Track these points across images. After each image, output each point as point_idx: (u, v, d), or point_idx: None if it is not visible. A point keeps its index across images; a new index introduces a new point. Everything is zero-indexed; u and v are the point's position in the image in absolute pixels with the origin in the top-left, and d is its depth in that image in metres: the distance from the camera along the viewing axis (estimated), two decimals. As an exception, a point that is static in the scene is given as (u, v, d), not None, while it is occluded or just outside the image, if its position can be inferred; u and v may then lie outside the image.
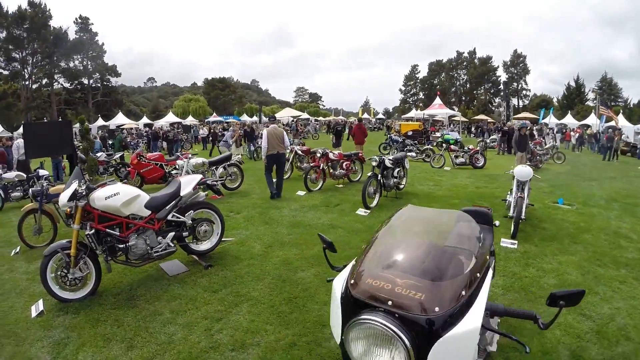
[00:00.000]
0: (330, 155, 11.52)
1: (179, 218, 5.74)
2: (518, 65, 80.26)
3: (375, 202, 9.44)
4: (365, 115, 70.37)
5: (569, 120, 46.26)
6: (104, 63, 71.90)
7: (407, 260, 2.34)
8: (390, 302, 1.98)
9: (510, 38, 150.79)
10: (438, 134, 29.07)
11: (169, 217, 5.64)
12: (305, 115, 57.62)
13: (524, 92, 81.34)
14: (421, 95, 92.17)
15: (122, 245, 5.09)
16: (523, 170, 8.02)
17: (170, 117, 54.68)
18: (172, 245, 5.63)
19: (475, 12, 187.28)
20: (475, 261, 2.30)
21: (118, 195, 4.97)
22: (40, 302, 4.82)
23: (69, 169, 16.58)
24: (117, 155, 16.65)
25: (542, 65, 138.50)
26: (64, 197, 4.74)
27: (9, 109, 59.67)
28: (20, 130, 44.80)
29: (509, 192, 8.71)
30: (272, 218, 8.54)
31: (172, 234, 5.62)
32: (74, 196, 4.72)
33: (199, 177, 6.16)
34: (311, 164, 13.28)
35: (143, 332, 4.22)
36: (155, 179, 12.41)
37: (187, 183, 5.87)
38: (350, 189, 11.63)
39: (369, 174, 9.53)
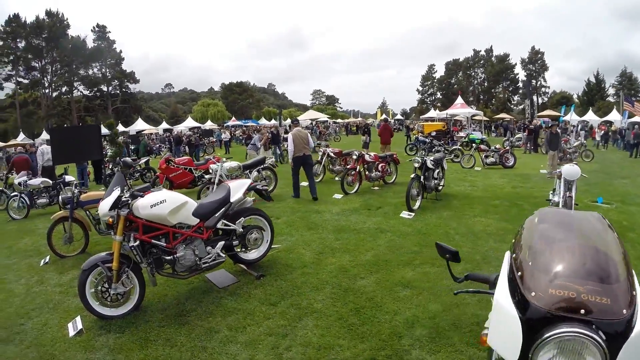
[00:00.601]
0: (366, 157, 11.11)
1: (229, 226, 5.34)
2: (536, 62, 78.85)
3: (417, 204, 9.00)
4: (384, 117, 69.80)
5: (591, 116, 45.14)
6: (122, 70, 72.86)
7: (578, 266, 2.10)
8: (582, 311, 1.81)
9: (525, 35, 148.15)
10: (462, 134, 28.49)
11: (219, 225, 5.23)
12: (323, 117, 57.07)
13: (543, 89, 79.94)
14: (439, 95, 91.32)
15: (169, 257, 4.67)
16: (571, 170, 7.69)
17: (189, 122, 54.65)
18: (222, 255, 5.23)
19: (487, 9, 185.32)
20: (627, 260, 2.17)
21: (165, 203, 4.55)
22: (78, 319, 4.44)
23: (94, 175, 16.45)
24: (143, 160, 16.48)
25: (558, 61, 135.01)
26: (105, 206, 4.37)
27: (30, 117, 60.69)
28: (44, 136, 45.57)
29: (551, 192, 8.45)
30: (314, 222, 8.14)
31: (221, 243, 5.21)
32: (116, 204, 4.34)
33: (248, 181, 5.76)
34: (346, 167, 12.97)
35: (201, 353, 3.78)
36: (185, 184, 12.19)
37: (237, 188, 5.45)
38: (387, 191, 11.25)
39: (412, 176, 9.08)
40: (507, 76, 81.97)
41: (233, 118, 62.85)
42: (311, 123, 44.89)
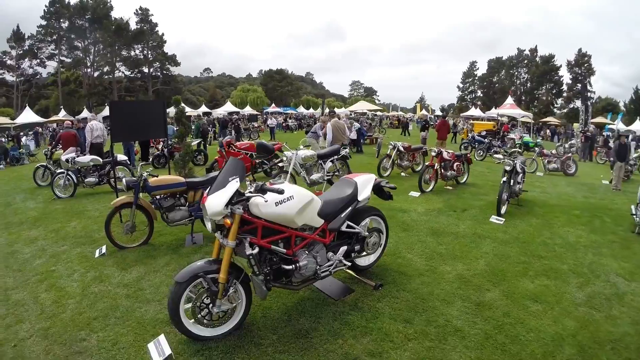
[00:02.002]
0: (444, 155, 10.45)
1: (354, 228, 4.64)
2: (582, 65, 75.75)
3: (504, 209, 8.36)
4: (424, 112, 68.76)
5: (638, 126, 43.32)
6: (164, 52, 73.32)
7: None
8: None
9: (569, 36, 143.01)
10: (513, 135, 27.38)
11: (343, 228, 4.51)
12: (375, 109, 56.11)
13: (588, 94, 77.02)
14: (479, 93, 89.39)
15: (289, 267, 3.92)
16: None
17: (228, 107, 54.65)
18: (346, 262, 4.56)
19: (531, 7, 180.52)
20: None
21: (292, 201, 3.76)
22: (163, 339, 3.66)
23: (141, 154, 16.12)
24: (195, 142, 16.12)
25: (602, 65, 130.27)
26: (218, 201, 3.42)
27: (71, 95, 61.70)
28: (85, 114, 45.98)
29: (634, 206, 7.87)
30: (405, 223, 7.51)
31: (344, 248, 4.48)
32: (231, 200, 3.45)
33: (372, 176, 5.04)
34: (410, 162, 12.63)
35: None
36: (246, 170, 11.64)
37: (364, 185, 4.77)
38: (463, 192, 10.64)
39: (504, 179, 8.52)
40: (552, 78, 79.31)
41: (273, 105, 62.57)
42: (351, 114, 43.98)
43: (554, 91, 79.75)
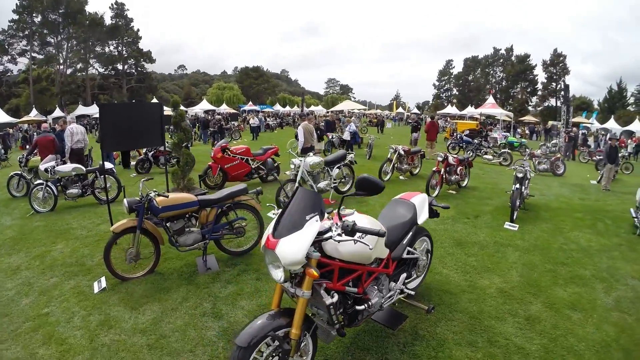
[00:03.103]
0: (450, 160, 10.28)
1: (414, 254, 4.27)
2: (558, 64, 77.29)
3: (516, 214, 8.24)
4: (400, 110, 69.04)
5: (612, 125, 44.31)
6: (139, 49, 71.90)
7: None
8: None
9: (544, 35, 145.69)
10: (495, 135, 27.52)
11: (404, 255, 4.11)
12: (360, 108, 55.69)
13: (563, 92, 78.40)
14: (455, 91, 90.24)
15: (362, 307, 3.34)
16: None
17: (205, 105, 54.04)
18: (408, 290, 4.08)
19: (508, 7, 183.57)
20: None
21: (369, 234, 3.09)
22: None
23: (121, 159, 15.43)
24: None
25: (575, 64, 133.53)
26: (298, 248, 2.79)
27: (43, 93, 59.87)
28: (57, 113, 44.42)
29: (633, 209, 8.31)
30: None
31: (403, 275, 4.08)
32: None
33: (425, 196, 4.68)
34: (410, 164, 12.66)
35: None
36: (241, 176, 11.19)
37: (422, 206, 4.41)
38: (468, 195, 10.53)
39: (516, 186, 8.51)
40: (527, 77, 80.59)
41: (250, 103, 62.05)
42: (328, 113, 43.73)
43: (529, 90, 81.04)
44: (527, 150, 17.03)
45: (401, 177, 12.55)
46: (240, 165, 11.23)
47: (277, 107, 63.94)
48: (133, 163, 15.08)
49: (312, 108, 60.82)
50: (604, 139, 30.84)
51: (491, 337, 4.04)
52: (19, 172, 11.12)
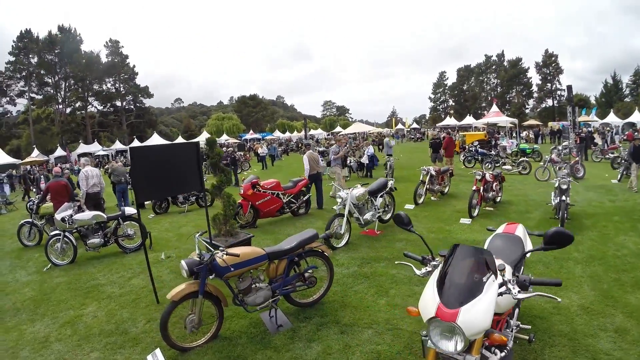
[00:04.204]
0: (487, 177, 10.18)
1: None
2: (550, 65, 77.76)
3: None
4: (400, 126, 69.19)
5: (612, 119, 44.40)
6: (136, 84, 72.55)
7: None
8: None
9: (532, 36, 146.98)
10: (505, 143, 27.41)
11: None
12: (372, 129, 55.99)
13: (559, 92, 78.65)
14: (451, 102, 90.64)
15: (503, 354, 3.02)
16: None
17: (205, 136, 53.94)
18: (524, 325, 3.93)
19: (492, 12, 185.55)
20: None
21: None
22: None
23: (134, 196, 14.90)
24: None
25: (564, 61, 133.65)
26: (484, 316, 2.62)
27: (44, 133, 59.97)
28: (59, 152, 44.27)
29: None
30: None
31: (517, 310, 3.94)
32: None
33: (521, 225, 4.45)
34: (441, 183, 12.70)
35: None
36: (272, 212, 10.69)
37: (525, 236, 4.25)
38: (506, 211, 10.38)
39: (561, 199, 8.49)
40: (521, 80, 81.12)
41: (251, 131, 62.27)
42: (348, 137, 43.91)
43: (525, 93, 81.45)
44: (546, 157, 16.89)
45: (433, 198, 12.37)
46: (273, 201, 10.73)
47: (277, 134, 64.21)
48: (148, 202, 14.31)
49: (312, 132, 61.26)
50: (610, 134, 30.81)
51: (595, 356, 4.04)
52: (30, 220, 10.53)
